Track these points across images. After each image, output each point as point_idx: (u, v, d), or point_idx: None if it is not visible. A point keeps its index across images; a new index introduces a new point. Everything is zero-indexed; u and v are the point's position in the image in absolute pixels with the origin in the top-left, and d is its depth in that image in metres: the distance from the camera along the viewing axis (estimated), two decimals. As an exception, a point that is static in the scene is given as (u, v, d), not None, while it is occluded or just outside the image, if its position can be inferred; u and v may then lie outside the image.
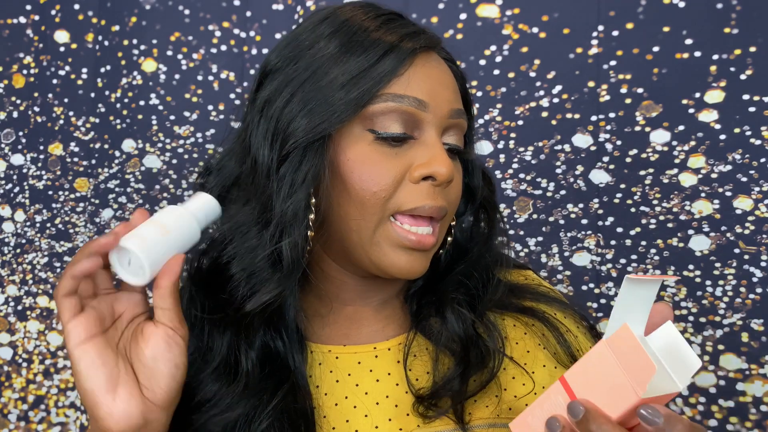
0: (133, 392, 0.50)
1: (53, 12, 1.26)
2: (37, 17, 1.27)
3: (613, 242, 1.04)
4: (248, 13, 1.19)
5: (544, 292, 0.67)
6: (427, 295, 0.64)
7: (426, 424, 0.57)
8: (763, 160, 0.98)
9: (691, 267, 1.01)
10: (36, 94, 1.27)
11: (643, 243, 1.02)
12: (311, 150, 0.57)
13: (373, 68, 0.57)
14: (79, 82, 1.25)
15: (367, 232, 0.57)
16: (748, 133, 0.99)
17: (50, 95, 1.26)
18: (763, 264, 0.98)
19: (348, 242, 0.59)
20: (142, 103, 1.22)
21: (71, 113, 1.25)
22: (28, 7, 1.27)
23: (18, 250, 1.26)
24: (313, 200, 0.57)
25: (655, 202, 1.02)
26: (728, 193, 0.99)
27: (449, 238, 0.65)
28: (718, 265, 1.00)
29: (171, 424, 0.56)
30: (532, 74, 1.07)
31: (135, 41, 1.23)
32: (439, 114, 0.59)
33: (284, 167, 0.57)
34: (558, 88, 1.06)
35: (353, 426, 0.58)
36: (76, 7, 1.25)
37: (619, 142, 1.04)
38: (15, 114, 1.28)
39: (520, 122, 1.08)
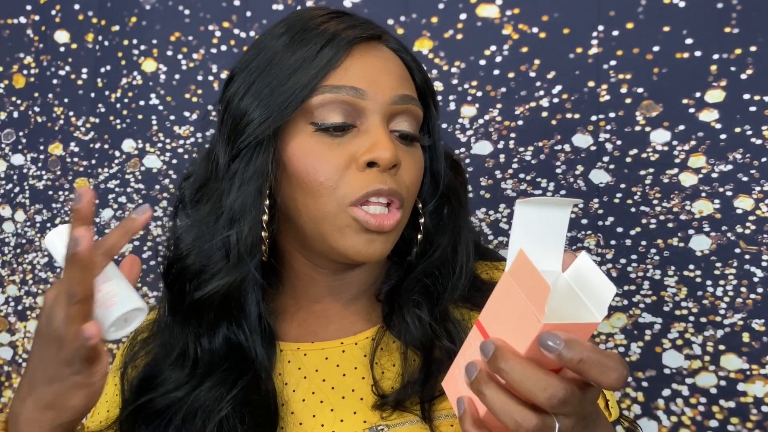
0: None
1: (53, 12, 1.26)
2: (37, 17, 1.27)
3: (613, 242, 1.04)
4: (248, 13, 1.19)
5: None
6: (396, 295, 0.64)
7: (391, 417, 0.58)
8: (764, 159, 0.98)
9: (691, 267, 1.00)
10: (36, 94, 1.27)
11: (643, 243, 1.02)
12: (260, 147, 0.59)
13: (311, 62, 0.59)
14: (79, 82, 1.25)
15: (327, 222, 0.59)
16: (749, 132, 0.99)
17: (50, 95, 1.26)
18: (764, 264, 0.98)
19: (309, 233, 0.61)
20: (142, 103, 1.22)
21: (71, 113, 1.25)
22: (28, 7, 1.27)
23: (18, 250, 1.26)
24: (267, 201, 0.60)
25: (655, 202, 1.02)
26: (729, 193, 0.99)
27: (419, 236, 0.65)
28: (718, 265, 0.99)
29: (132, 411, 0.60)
30: (532, 74, 1.07)
31: (135, 41, 1.23)
32: (380, 100, 0.59)
33: (235, 164, 0.60)
34: (558, 88, 1.06)
35: (319, 420, 0.59)
36: (76, 7, 1.25)
37: (619, 142, 1.04)
38: (15, 114, 1.28)
39: (520, 122, 1.08)
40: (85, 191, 0.47)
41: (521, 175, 1.07)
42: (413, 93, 0.63)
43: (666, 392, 1.00)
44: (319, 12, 0.63)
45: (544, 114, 1.07)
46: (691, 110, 1.01)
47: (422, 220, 0.65)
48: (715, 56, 1.00)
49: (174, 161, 1.21)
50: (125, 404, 0.63)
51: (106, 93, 1.24)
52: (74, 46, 1.26)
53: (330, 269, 0.65)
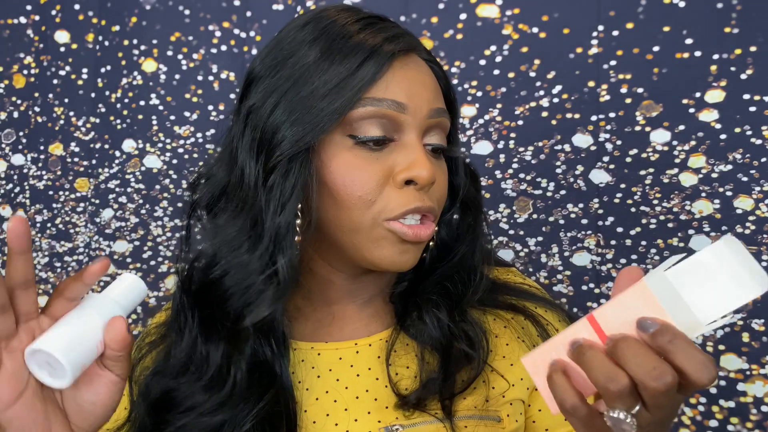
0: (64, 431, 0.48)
1: (53, 12, 1.26)
2: (37, 17, 1.27)
3: (613, 242, 1.04)
4: (248, 13, 1.19)
5: (526, 289, 0.68)
6: (411, 296, 0.65)
7: (406, 417, 0.59)
8: (763, 159, 0.98)
9: (691, 267, 1.00)
10: (36, 94, 1.27)
11: (643, 243, 1.02)
12: (297, 161, 0.57)
13: (353, 76, 0.57)
14: (80, 82, 1.25)
15: (361, 234, 0.58)
16: (749, 132, 0.99)
17: (50, 95, 1.26)
18: (763, 264, 0.98)
19: (342, 244, 0.60)
20: (142, 103, 1.22)
21: (71, 113, 1.25)
22: (29, 7, 1.27)
23: (18, 250, 1.26)
24: (300, 206, 0.58)
25: (655, 202, 1.02)
26: (729, 193, 0.99)
27: (430, 243, 0.66)
28: (718, 265, 0.99)
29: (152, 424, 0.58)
30: (532, 74, 1.07)
31: (135, 41, 1.23)
32: (419, 115, 0.59)
33: (272, 179, 0.57)
34: (558, 88, 1.06)
35: (333, 419, 0.59)
36: (77, 7, 1.25)
37: (619, 142, 1.04)
38: (15, 114, 1.28)
39: (520, 122, 1.08)
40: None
41: (521, 175, 1.07)
42: (444, 105, 0.63)
43: (666, 392, 1.00)
44: (350, 18, 0.60)
45: (544, 114, 1.07)
46: (691, 110, 1.01)
47: (436, 229, 0.65)
48: (715, 56, 1.00)
49: (174, 161, 1.21)
50: (143, 410, 0.62)
51: (106, 93, 1.24)
52: (74, 46, 1.26)
53: (349, 273, 0.65)
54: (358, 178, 0.57)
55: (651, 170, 1.02)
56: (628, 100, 1.03)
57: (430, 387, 0.58)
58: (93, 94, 1.25)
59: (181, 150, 1.21)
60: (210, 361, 0.60)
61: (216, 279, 0.59)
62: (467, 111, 1.10)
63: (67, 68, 1.26)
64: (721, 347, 0.99)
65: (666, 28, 1.02)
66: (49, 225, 1.26)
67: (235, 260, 0.58)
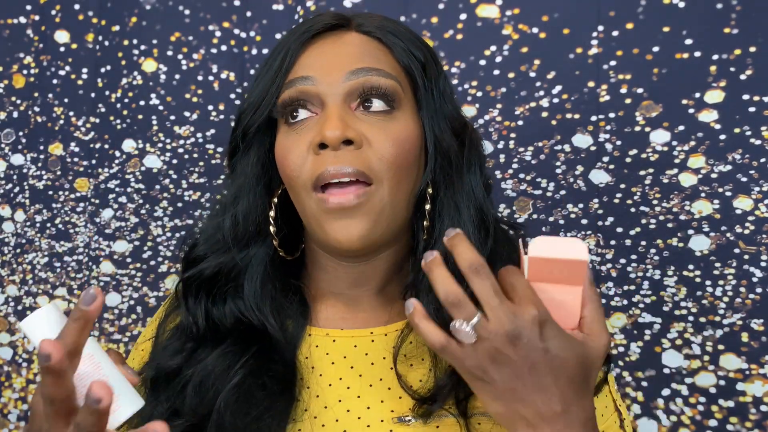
0: None
1: (53, 12, 1.26)
2: (37, 17, 1.27)
3: (613, 242, 1.04)
4: (248, 13, 1.19)
5: None
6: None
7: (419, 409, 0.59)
8: (763, 160, 0.98)
9: (691, 267, 1.01)
10: (36, 94, 1.27)
11: (643, 243, 1.02)
12: (254, 144, 0.64)
13: (274, 66, 0.62)
14: (80, 82, 1.25)
15: (307, 211, 0.61)
16: (748, 133, 0.99)
17: (50, 95, 1.26)
18: (763, 264, 0.98)
19: (307, 229, 0.64)
20: (142, 103, 1.22)
21: (71, 113, 1.25)
22: (29, 7, 1.27)
23: (18, 250, 1.26)
24: (274, 199, 0.64)
25: (655, 202, 1.02)
26: (728, 193, 0.99)
27: (425, 222, 0.63)
28: (718, 265, 1.00)
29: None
30: (532, 74, 1.07)
31: (135, 41, 1.23)
32: (333, 81, 0.60)
33: (236, 158, 0.65)
34: (558, 88, 1.06)
35: (345, 405, 0.60)
36: (77, 7, 1.25)
37: (619, 142, 1.04)
38: (15, 114, 1.28)
39: (520, 122, 1.08)
40: (99, 293, 0.45)
41: (521, 175, 1.08)
42: (378, 65, 0.61)
43: (665, 392, 1.01)
44: (295, 24, 0.65)
45: (544, 114, 1.07)
46: (691, 110, 1.01)
47: (427, 207, 0.63)
48: (715, 56, 1.00)
49: (174, 161, 1.21)
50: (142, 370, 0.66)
51: (106, 93, 1.24)
52: (74, 46, 1.26)
53: (348, 261, 0.65)
54: (287, 156, 0.61)
55: (651, 170, 1.02)
56: (628, 101, 1.03)
57: (443, 390, 0.58)
58: (93, 94, 1.25)
59: (181, 150, 1.21)
60: (185, 315, 0.65)
61: (193, 248, 0.68)
62: (467, 111, 1.10)
63: (67, 68, 1.26)
64: (721, 347, 0.99)
65: (666, 29, 1.02)
66: (48, 225, 1.26)
67: (208, 223, 0.67)
